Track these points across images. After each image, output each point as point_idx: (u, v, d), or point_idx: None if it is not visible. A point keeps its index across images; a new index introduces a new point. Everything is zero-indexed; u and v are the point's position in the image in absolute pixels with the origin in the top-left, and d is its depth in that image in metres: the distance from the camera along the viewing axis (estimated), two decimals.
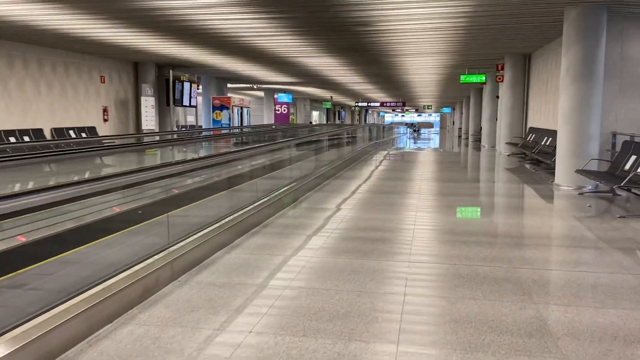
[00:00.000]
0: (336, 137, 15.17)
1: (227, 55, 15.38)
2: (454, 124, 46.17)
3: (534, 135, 13.84)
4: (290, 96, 30.01)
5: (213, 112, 21.70)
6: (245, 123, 23.94)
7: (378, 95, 34.12)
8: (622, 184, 6.26)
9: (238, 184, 7.38)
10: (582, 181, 8.16)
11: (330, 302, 3.40)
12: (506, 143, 15.20)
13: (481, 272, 4.03)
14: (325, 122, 45.32)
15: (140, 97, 16.46)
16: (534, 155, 11.13)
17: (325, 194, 7.96)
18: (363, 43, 12.46)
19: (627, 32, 8.82)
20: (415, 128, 55.10)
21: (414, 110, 66.73)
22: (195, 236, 4.43)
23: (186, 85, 17.87)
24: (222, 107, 21.67)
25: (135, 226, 4.74)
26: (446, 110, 55.02)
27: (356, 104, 36.64)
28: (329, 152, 13.13)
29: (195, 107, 19.15)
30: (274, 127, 25.02)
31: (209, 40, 12.67)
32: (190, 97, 18.22)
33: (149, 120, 16.32)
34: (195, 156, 8.79)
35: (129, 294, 3.30)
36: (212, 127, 21.59)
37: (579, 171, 7.86)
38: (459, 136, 34.46)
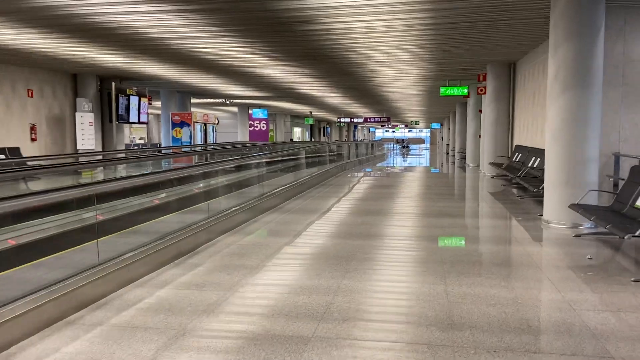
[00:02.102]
0: (295, 156, 13.27)
1: (174, 65, 13.55)
2: (442, 139, 44.57)
3: (520, 154, 12.01)
4: (266, 112, 28.17)
5: (173, 129, 19.80)
6: (211, 141, 22.03)
7: (360, 110, 32.38)
8: (637, 233, 4.35)
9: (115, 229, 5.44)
10: (578, 217, 6.26)
11: None
12: (489, 163, 13.36)
13: None
14: (309, 139, 43.50)
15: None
16: (519, 180, 9.26)
17: (241, 237, 6.01)
18: (316, 48, 10.63)
19: (631, 28, 7.02)
20: (404, 144, 53.48)
21: (404, 125, 65.18)
22: None
23: (133, 99, 15.95)
24: (182, 124, 19.78)
25: None
26: (435, 125, 53.46)
27: (339, 120, 34.86)
28: (281, 176, 11.22)
29: (146, 123, 17.23)
30: (247, 144, 23.19)
31: (141, 46, 10.84)
32: (139, 113, 16.30)
33: (87, 139, 14.37)
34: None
35: None
36: (171, 145, 19.69)
37: (573, 207, 5.97)
38: (447, 153, 32.76)
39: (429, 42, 10.25)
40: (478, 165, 16.71)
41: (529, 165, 10.42)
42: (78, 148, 14.27)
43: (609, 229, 4.73)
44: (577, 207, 5.89)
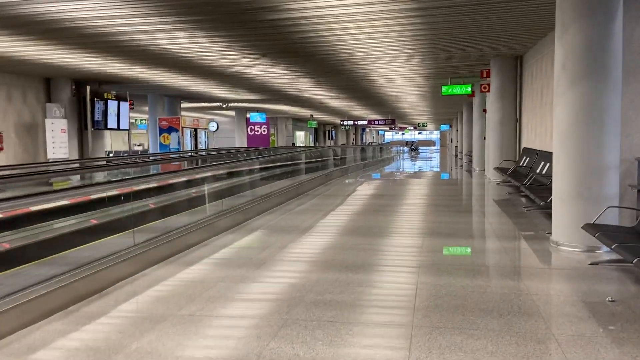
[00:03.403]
0: (282, 163, 12.13)
1: (152, 66, 12.53)
2: (451, 141, 43.22)
3: (528, 158, 10.76)
4: (264, 115, 27.10)
5: (160, 135, 18.79)
6: (202, 146, 21.00)
7: (363, 112, 31.17)
8: None
9: None
10: (594, 239, 5.03)
11: None
12: (494, 168, 12.10)
13: None
14: (313, 143, 42.38)
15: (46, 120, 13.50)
16: (525, 189, 8.02)
17: (176, 270, 4.86)
18: (293, 42, 9.49)
19: None
20: (413, 147, 52.19)
21: (413, 127, 63.73)
22: None
23: (112, 104, 14.94)
24: (170, 130, 18.77)
25: None
26: (445, 127, 52.02)
27: (342, 123, 33.71)
28: (258, 186, 10.08)
29: (128, 130, 16.23)
30: (238, 150, 22.11)
31: (107, 44, 9.84)
32: (119, 118, 15.29)
33: (58, 147, 13.38)
34: None
35: None
36: (159, 152, 18.67)
37: (588, 228, 4.75)
38: (456, 155, 31.46)
39: (423, 32, 9.07)
40: (485, 170, 15.45)
41: (537, 171, 9.18)
42: (49, 157, 13.28)
43: (637, 264, 3.51)
44: (592, 228, 4.67)
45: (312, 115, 31.81)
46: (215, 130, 32.64)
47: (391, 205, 9.43)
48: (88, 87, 13.99)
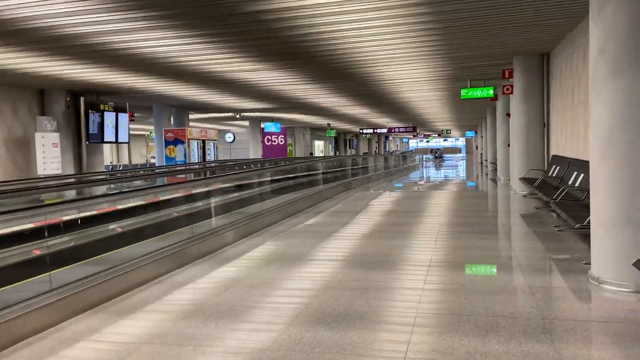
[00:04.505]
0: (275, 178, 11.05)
1: (144, 74, 11.74)
2: (477, 148, 41.63)
3: (557, 167, 9.45)
4: (279, 125, 26.19)
5: (166, 147, 18.00)
6: (211, 158, 20.18)
7: (382, 120, 29.94)
8: None
9: None
10: None
11: None
12: (520, 179, 10.79)
13: None
14: (333, 152, 41.30)
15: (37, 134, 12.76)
16: (556, 206, 6.74)
17: (106, 322, 3.82)
18: (283, 39, 8.46)
19: None
20: (437, 154, 50.74)
21: (437, 135, 62.09)
22: None
23: (109, 115, 14.15)
24: (176, 142, 17.96)
25: None
26: (470, 134, 50.37)
27: (361, 131, 32.56)
28: (248, 202, 9.02)
29: (128, 142, 15.45)
30: (249, 161, 21.27)
31: (101, 54, 9.04)
32: (117, 131, 14.49)
33: (49, 162, 12.63)
34: None
35: None
36: (165, 164, 17.87)
37: None
38: (481, 163, 29.98)
39: (433, 24, 7.93)
40: (510, 180, 14.10)
41: (569, 182, 7.89)
42: (39, 173, 12.53)
43: None
44: None
45: (329, 124, 30.77)
46: (232, 142, 31.92)
47: (401, 224, 8.25)
48: (82, 99, 13.24)
